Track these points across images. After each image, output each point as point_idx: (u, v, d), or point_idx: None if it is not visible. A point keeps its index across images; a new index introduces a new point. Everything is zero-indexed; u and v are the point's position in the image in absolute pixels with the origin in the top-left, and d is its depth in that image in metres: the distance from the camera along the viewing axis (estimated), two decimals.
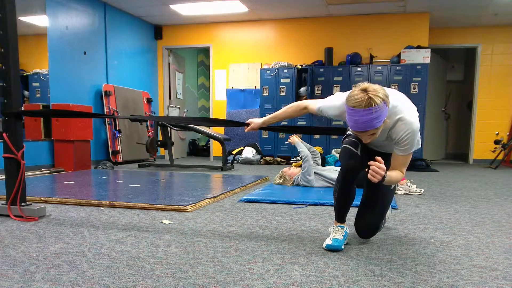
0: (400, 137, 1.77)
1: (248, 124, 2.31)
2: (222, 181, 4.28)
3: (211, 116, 8.00)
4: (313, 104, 2.08)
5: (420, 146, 1.83)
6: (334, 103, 1.95)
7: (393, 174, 1.82)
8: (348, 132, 2.09)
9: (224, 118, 7.80)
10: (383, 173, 1.69)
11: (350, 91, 1.72)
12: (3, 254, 1.83)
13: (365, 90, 1.63)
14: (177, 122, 2.82)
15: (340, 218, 2.03)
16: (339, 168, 2.00)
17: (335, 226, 2.03)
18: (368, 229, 2.03)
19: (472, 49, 7.67)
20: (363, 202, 2.09)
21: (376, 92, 1.62)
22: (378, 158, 1.70)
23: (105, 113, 6.44)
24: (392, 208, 2.95)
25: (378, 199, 2.03)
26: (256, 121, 2.29)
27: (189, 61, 9.51)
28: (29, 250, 1.88)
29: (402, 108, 1.77)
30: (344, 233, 1.98)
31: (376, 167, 1.68)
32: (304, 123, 6.89)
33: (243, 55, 7.64)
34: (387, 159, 1.93)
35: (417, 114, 1.82)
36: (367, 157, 1.91)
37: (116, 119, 6.52)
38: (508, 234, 2.26)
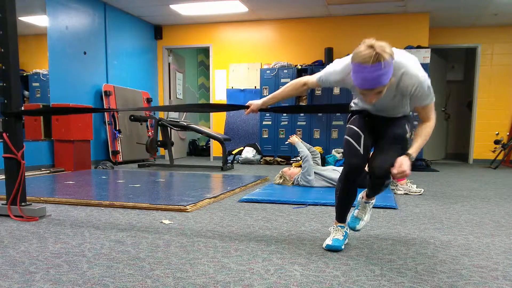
0: (411, 91, 1.75)
1: (248, 107, 2.25)
2: (222, 181, 4.28)
3: (211, 117, 8.01)
4: (312, 77, 2.03)
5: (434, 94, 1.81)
6: (334, 68, 1.90)
7: (418, 141, 1.83)
8: (353, 107, 2.05)
9: (224, 118, 7.81)
10: (408, 171, 1.74)
11: (352, 53, 1.67)
12: (3, 254, 1.83)
13: (371, 46, 1.58)
14: (177, 110, 2.84)
15: (341, 217, 2.03)
16: (340, 168, 2.00)
17: (335, 226, 2.03)
18: (385, 164, 1.83)
19: (472, 49, 7.66)
20: (379, 147, 1.95)
21: (384, 48, 1.58)
22: (396, 165, 1.75)
23: (105, 114, 6.45)
24: (392, 208, 2.95)
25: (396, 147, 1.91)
26: (255, 103, 2.23)
27: (189, 61, 9.50)
28: (29, 250, 1.88)
29: (404, 62, 1.74)
30: (344, 233, 1.98)
31: (399, 173, 1.74)
32: (304, 123, 6.89)
33: (243, 55, 7.64)
34: (393, 124, 1.92)
35: (419, 65, 1.77)
36: (371, 138, 1.93)
37: (116, 119, 6.52)
38: (508, 234, 2.26)
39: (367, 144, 1.90)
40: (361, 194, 2.10)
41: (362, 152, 1.88)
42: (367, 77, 1.60)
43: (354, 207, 2.14)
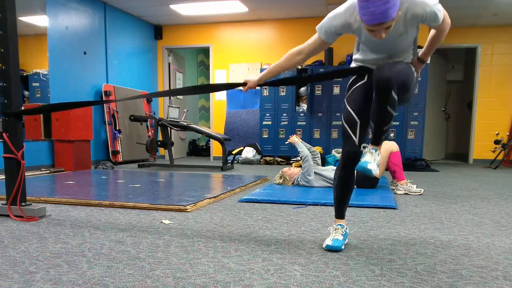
0: (422, 19, 1.73)
1: (245, 84, 2.17)
2: (222, 181, 4.28)
3: (211, 117, 8.00)
4: (308, 40, 1.94)
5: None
6: (336, 12, 1.84)
7: (431, 44, 1.92)
8: (353, 65, 2.00)
9: (224, 118, 7.81)
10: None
11: None
12: (3, 254, 1.83)
13: None
14: (175, 94, 2.82)
15: (340, 212, 2.04)
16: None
17: (334, 225, 2.03)
18: (391, 70, 1.72)
19: (472, 49, 7.67)
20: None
21: None
22: None
23: (105, 114, 6.45)
24: (392, 208, 2.95)
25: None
26: (252, 80, 2.14)
27: (189, 61, 9.50)
28: (29, 250, 1.88)
29: None
30: (344, 233, 1.98)
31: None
32: (304, 123, 6.89)
33: (243, 55, 7.64)
34: None
35: None
36: (368, 114, 1.89)
37: (116, 119, 6.52)
38: (508, 234, 2.26)
39: (363, 131, 1.92)
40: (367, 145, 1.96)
41: (357, 143, 1.90)
42: (376, 11, 1.57)
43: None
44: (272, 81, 2.18)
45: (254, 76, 2.12)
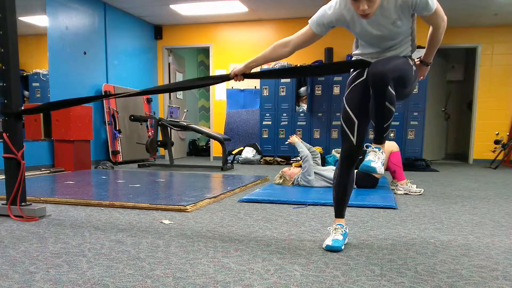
0: (413, 4, 1.71)
1: (232, 76, 2.09)
2: (222, 181, 4.28)
3: (211, 117, 8.00)
4: (299, 31, 1.90)
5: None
6: (329, 4, 1.83)
7: (431, 45, 1.93)
8: (353, 59, 1.99)
9: (224, 118, 7.81)
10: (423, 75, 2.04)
11: None
12: (3, 254, 1.83)
13: None
14: (169, 86, 2.82)
15: (339, 212, 2.04)
16: None
17: (334, 225, 2.03)
18: (384, 66, 1.71)
19: (472, 49, 7.67)
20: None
21: None
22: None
23: (105, 114, 6.45)
24: (392, 208, 2.95)
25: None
26: (237, 67, 2.06)
27: (189, 61, 9.50)
28: (29, 250, 1.88)
29: None
30: (343, 233, 1.98)
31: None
32: (304, 123, 6.89)
33: (243, 55, 7.64)
34: None
35: None
36: (367, 114, 1.89)
37: (116, 119, 6.52)
38: (508, 234, 2.26)
39: (361, 131, 1.91)
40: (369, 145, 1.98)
41: (355, 142, 1.91)
42: None
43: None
44: (263, 71, 2.17)
45: (239, 65, 2.07)
